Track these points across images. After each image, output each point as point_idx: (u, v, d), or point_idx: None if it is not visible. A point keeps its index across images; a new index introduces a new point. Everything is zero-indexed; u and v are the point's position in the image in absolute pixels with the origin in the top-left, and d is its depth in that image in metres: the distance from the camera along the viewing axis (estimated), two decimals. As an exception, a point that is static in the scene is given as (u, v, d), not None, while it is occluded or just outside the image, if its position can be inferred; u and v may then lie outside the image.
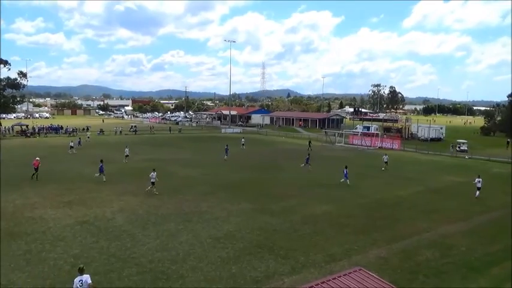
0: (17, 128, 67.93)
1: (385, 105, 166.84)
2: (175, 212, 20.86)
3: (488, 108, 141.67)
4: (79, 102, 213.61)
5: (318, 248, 16.30)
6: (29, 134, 64.79)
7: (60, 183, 27.51)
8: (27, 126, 69.15)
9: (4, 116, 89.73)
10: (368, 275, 8.91)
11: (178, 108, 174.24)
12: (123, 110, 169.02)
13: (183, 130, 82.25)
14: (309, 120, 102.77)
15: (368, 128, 71.09)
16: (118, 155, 40.04)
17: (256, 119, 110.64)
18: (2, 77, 70.68)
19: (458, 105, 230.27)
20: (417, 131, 72.16)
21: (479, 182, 26.06)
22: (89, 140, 56.49)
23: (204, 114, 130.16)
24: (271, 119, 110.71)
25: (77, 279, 9.95)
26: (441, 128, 74.38)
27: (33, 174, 28.41)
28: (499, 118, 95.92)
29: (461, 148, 54.56)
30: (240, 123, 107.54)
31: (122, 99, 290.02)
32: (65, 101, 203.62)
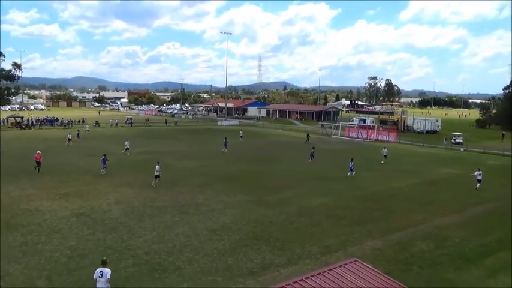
0: (12, 120, 67.41)
1: (381, 98, 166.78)
2: (172, 204, 20.87)
3: (484, 101, 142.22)
4: (74, 94, 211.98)
5: (314, 239, 16.41)
6: (23, 126, 64.36)
7: (57, 175, 27.38)
8: (21, 118, 68.61)
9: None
10: (363, 266, 8.97)
11: (174, 100, 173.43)
12: (118, 102, 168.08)
13: (179, 122, 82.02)
14: (305, 112, 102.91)
15: (364, 121, 71.21)
16: (114, 147, 39.87)
17: (252, 111, 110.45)
18: (-4, 69, 70.21)
19: (454, 98, 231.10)
20: (413, 124, 72.49)
21: (479, 174, 26.30)
22: (88, 132, 56.25)
23: (201, 106, 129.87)
24: (268, 112, 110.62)
25: (98, 270, 10.51)
26: (437, 121, 74.86)
27: (36, 167, 28.05)
28: (494, 111, 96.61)
29: (456, 141, 54.88)
30: (237, 115, 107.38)
31: (117, 91, 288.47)
32: (60, 93, 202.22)
